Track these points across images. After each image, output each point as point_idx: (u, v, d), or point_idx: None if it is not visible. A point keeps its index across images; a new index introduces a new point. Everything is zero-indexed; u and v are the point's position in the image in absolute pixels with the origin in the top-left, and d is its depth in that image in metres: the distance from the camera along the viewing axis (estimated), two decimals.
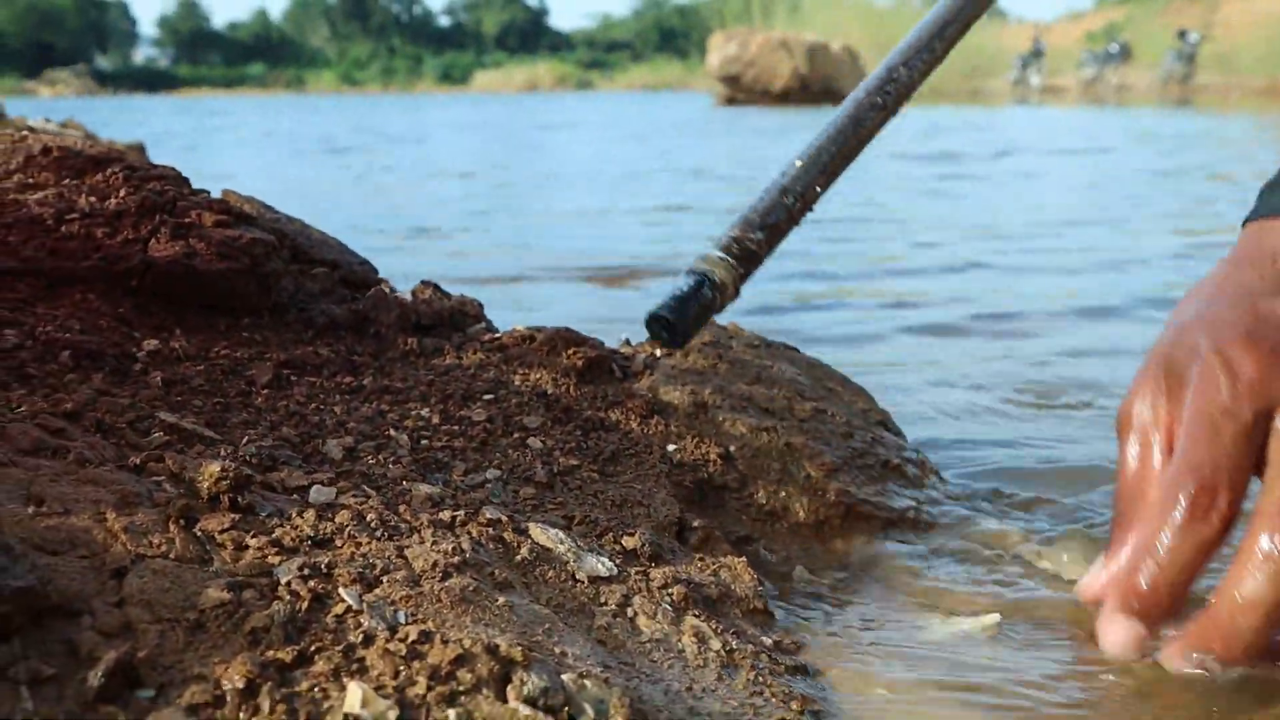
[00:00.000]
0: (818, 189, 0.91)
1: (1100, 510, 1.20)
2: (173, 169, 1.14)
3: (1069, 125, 11.57)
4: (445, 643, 0.68)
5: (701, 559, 0.93)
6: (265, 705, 0.61)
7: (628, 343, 1.28)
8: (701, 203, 4.91)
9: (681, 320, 0.83)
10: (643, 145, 7.92)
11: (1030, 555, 1.08)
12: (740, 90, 21.71)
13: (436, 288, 1.26)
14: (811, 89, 21.03)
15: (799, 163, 0.90)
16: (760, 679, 0.81)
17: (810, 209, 0.91)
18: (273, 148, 8.82)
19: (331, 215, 4.06)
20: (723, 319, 1.37)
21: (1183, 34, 27.40)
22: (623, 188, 5.56)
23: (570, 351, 1.13)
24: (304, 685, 0.63)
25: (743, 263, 0.86)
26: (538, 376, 1.11)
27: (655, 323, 0.83)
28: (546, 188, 5.37)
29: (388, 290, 1.22)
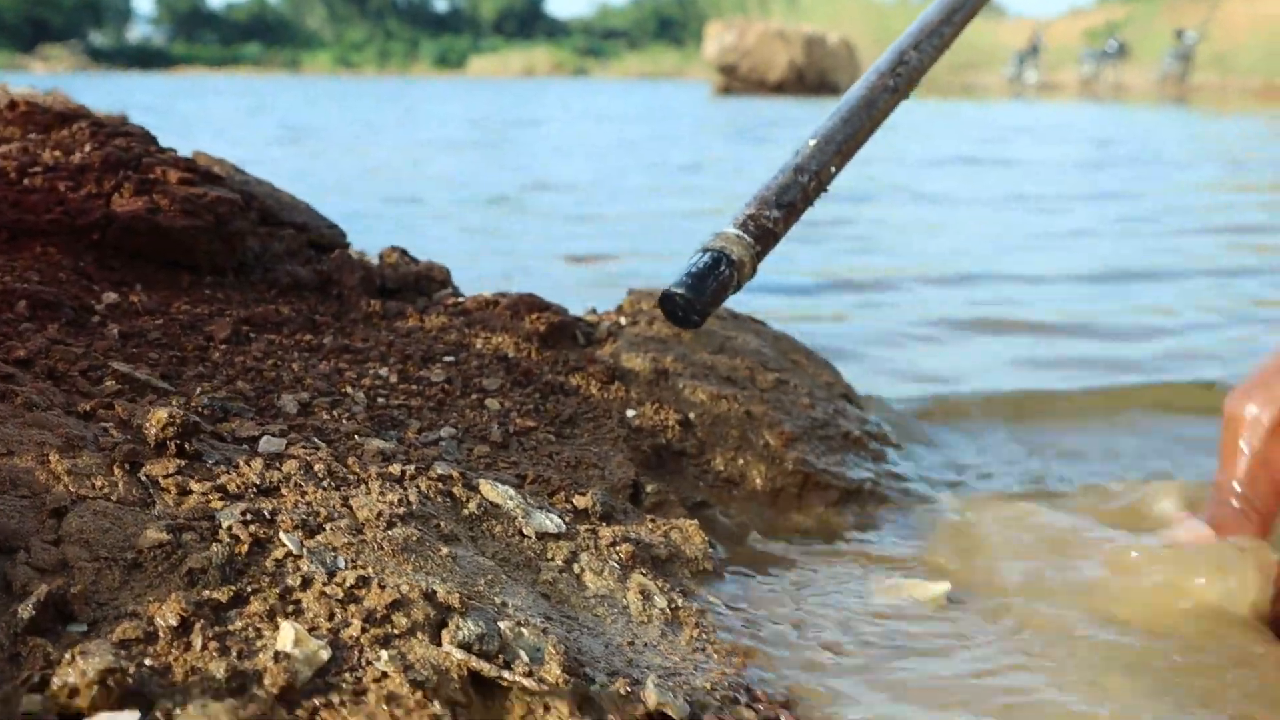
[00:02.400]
0: (832, 169, 0.90)
1: (1055, 481, 1.21)
2: (140, 127, 1.14)
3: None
4: (382, 588, 0.68)
5: (653, 520, 0.94)
6: (197, 643, 0.61)
7: (594, 311, 1.29)
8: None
9: (699, 298, 0.80)
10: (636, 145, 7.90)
11: (987, 528, 1.09)
12: (737, 80, 21.67)
13: (403, 253, 1.26)
14: (807, 80, 20.99)
15: (813, 142, 0.90)
16: (704, 636, 0.82)
17: (825, 189, 0.90)
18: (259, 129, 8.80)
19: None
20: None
21: (1180, 33, 27.39)
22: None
23: (533, 316, 1.14)
24: (238, 624, 0.64)
25: (759, 241, 0.84)
26: (499, 340, 1.11)
27: (670, 300, 0.80)
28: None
29: (355, 254, 1.22)
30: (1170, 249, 3.24)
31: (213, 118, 10.15)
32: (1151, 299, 2.49)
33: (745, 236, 0.84)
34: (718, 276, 0.81)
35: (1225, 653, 0.84)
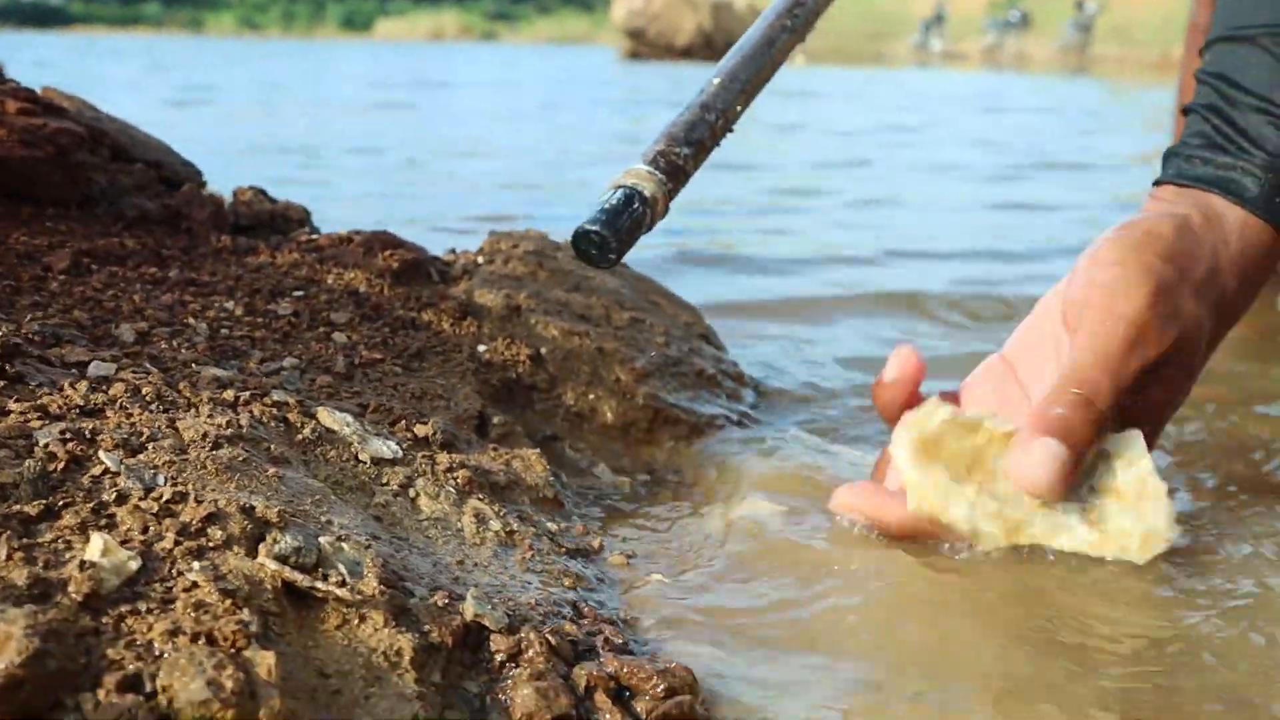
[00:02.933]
0: (738, 107, 0.90)
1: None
2: None
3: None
4: (199, 502, 0.68)
5: (495, 449, 0.95)
6: (2, 553, 0.61)
7: (453, 251, 1.29)
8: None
9: (614, 234, 0.78)
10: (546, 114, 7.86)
11: (829, 458, 1.12)
12: (644, 45, 21.66)
13: (260, 191, 1.25)
14: (715, 45, 21.02)
15: (717, 81, 0.89)
16: (536, 558, 0.83)
17: (731, 128, 0.90)
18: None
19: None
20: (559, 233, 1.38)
21: (1080, 4, 27.83)
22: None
23: (387, 253, 1.14)
24: (47, 537, 0.64)
25: (671, 177, 0.83)
26: (351, 276, 1.11)
27: (584, 239, 0.79)
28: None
29: (208, 193, 1.21)
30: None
31: (112, 78, 9.90)
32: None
33: (657, 173, 0.83)
34: (631, 214, 0.80)
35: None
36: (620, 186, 0.81)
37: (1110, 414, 0.85)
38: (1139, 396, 0.88)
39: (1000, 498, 0.87)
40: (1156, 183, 0.98)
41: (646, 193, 0.81)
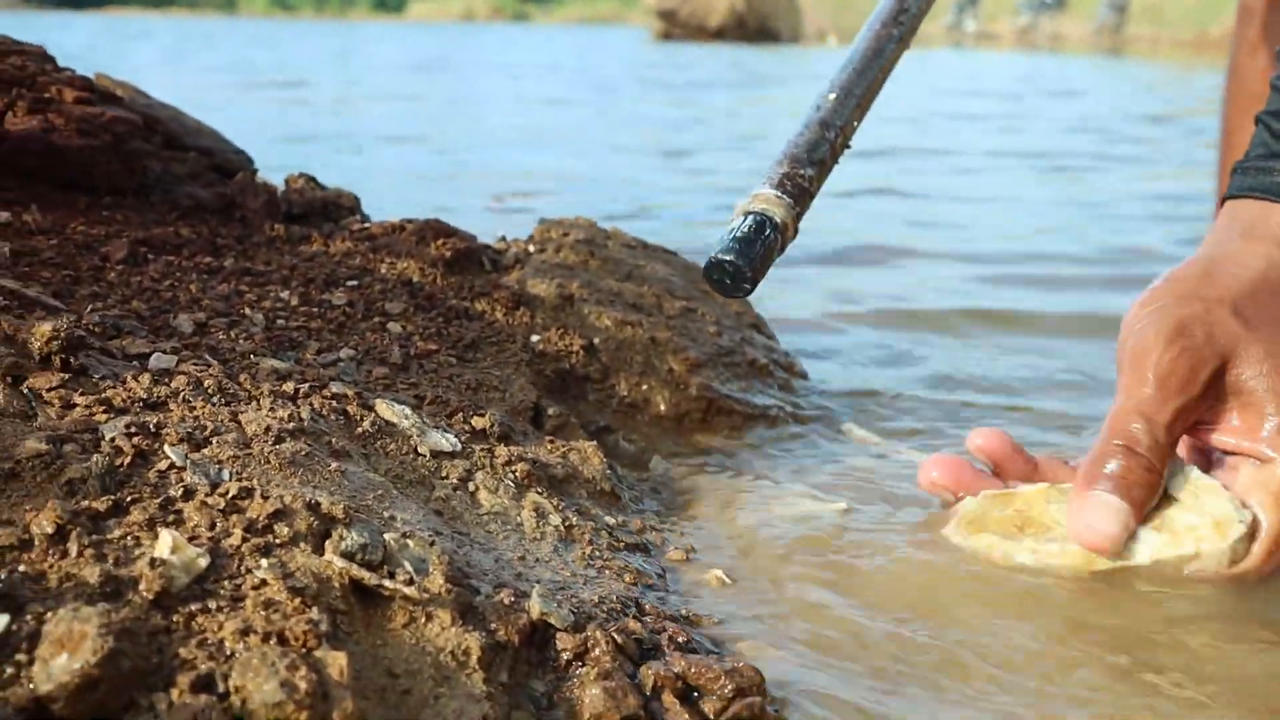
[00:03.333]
0: (855, 123, 0.88)
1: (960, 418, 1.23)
2: (38, 46, 1.12)
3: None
4: (265, 498, 0.68)
5: (552, 442, 0.94)
6: (74, 550, 0.61)
7: (503, 239, 1.28)
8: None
9: (748, 264, 0.77)
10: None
11: (888, 453, 1.11)
12: (676, 26, 21.58)
13: (311, 179, 1.25)
14: (748, 27, 20.95)
15: (833, 96, 0.87)
16: (596, 554, 0.83)
17: (849, 144, 0.89)
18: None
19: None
20: (605, 223, 1.38)
21: None
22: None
23: (439, 242, 1.13)
24: (116, 533, 0.63)
25: (797, 201, 0.82)
26: (404, 265, 1.11)
27: (718, 268, 0.78)
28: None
29: (260, 180, 1.21)
30: None
31: (156, 62, 9.92)
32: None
33: (784, 197, 0.81)
34: (764, 240, 0.79)
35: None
36: (750, 213, 0.80)
37: (1160, 453, 0.85)
38: (1220, 408, 0.87)
39: (1060, 539, 0.87)
40: (1224, 199, 0.98)
41: (777, 219, 0.80)
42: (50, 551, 0.61)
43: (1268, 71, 2.01)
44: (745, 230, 0.79)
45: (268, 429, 0.76)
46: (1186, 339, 0.86)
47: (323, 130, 4.64)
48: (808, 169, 0.83)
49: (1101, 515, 0.83)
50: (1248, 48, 2.03)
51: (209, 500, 0.67)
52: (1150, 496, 0.85)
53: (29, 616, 0.56)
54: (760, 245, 0.78)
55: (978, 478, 0.93)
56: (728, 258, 0.77)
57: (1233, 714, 0.69)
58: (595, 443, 0.95)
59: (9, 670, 0.53)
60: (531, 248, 1.24)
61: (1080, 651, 0.76)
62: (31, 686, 0.53)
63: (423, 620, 0.66)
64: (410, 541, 0.70)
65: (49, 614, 0.56)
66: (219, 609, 0.60)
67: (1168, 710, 0.69)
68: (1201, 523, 0.85)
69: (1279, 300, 0.90)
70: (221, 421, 0.76)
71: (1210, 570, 0.85)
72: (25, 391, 0.73)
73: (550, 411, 1.00)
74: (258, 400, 0.81)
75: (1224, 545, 0.84)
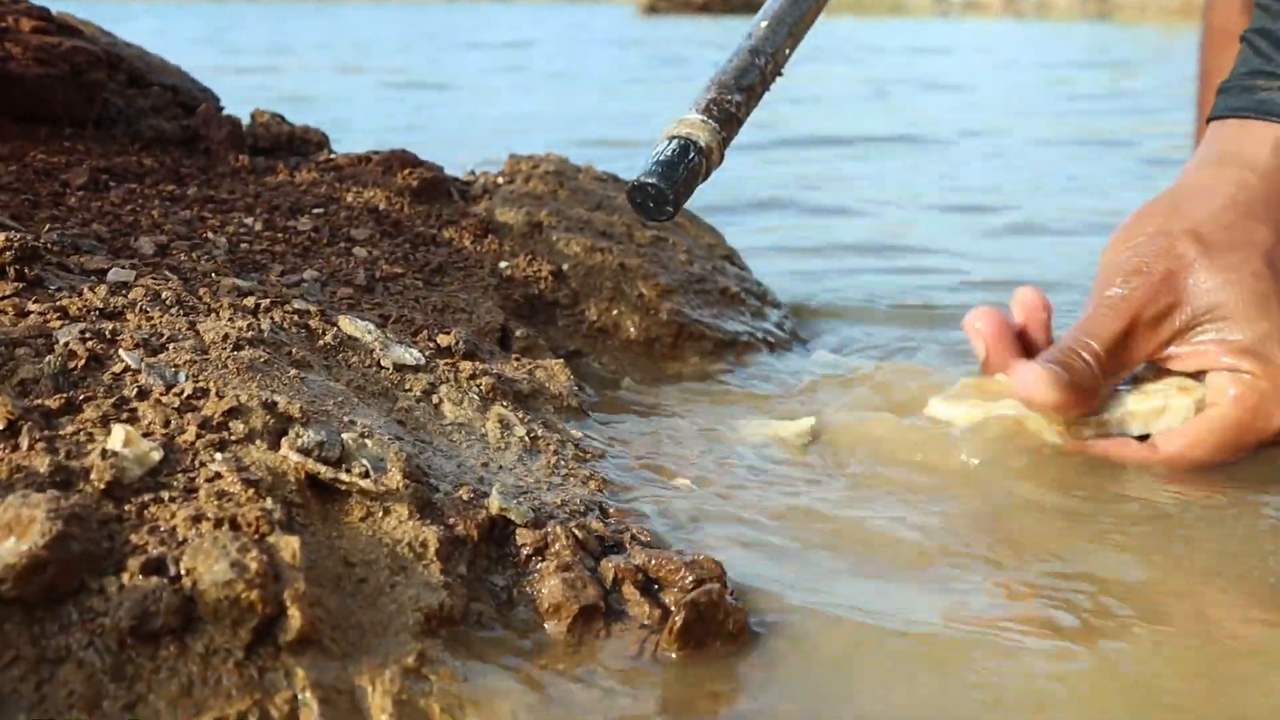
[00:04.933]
0: (786, 51, 0.87)
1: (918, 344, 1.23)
2: None
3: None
4: (220, 397, 0.68)
5: (518, 359, 0.94)
6: (24, 443, 0.61)
7: (472, 172, 1.28)
8: None
9: (670, 186, 0.76)
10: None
11: (858, 378, 1.10)
12: (662, 0, 21.48)
13: (278, 115, 1.24)
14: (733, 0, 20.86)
15: (764, 24, 0.87)
16: (561, 463, 0.82)
17: (780, 72, 0.88)
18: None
19: None
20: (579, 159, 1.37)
21: None
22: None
23: (406, 172, 1.13)
24: (69, 429, 0.63)
25: (724, 125, 0.81)
26: (370, 194, 1.10)
27: (640, 191, 0.77)
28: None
29: (224, 114, 1.20)
30: None
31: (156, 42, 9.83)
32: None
33: (710, 121, 0.80)
34: (688, 164, 0.78)
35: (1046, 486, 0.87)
36: (674, 137, 0.79)
37: (1099, 362, 0.88)
38: (1185, 335, 0.90)
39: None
40: (1207, 120, 0.98)
41: (701, 142, 0.79)
42: (2, 446, 0.60)
43: (1244, 10, 2.01)
44: (669, 154, 0.77)
45: (226, 336, 0.76)
46: (1143, 275, 0.89)
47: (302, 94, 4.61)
48: (735, 94, 0.82)
49: (1039, 374, 0.87)
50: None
51: (164, 399, 0.67)
52: (1088, 387, 0.88)
53: None
54: (683, 169, 0.77)
55: (1013, 343, 0.96)
56: (650, 180, 0.76)
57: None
58: (561, 360, 0.95)
59: None
60: (501, 179, 1.23)
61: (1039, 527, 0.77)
62: None
63: (380, 514, 0.65)
64: (369, 441, 0.70)
65: None
66: (171, 499, 0.60)
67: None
68: (1168, 387, 0.92)
69: (1248, 221, 0.90)
70: (179, 330, 0.75)
71: (1177, 424, 0.90)
72: None
73: (518, 333, 0.99)
74: (217, 312, 0.80)
75: (1189, 400, 0.90)
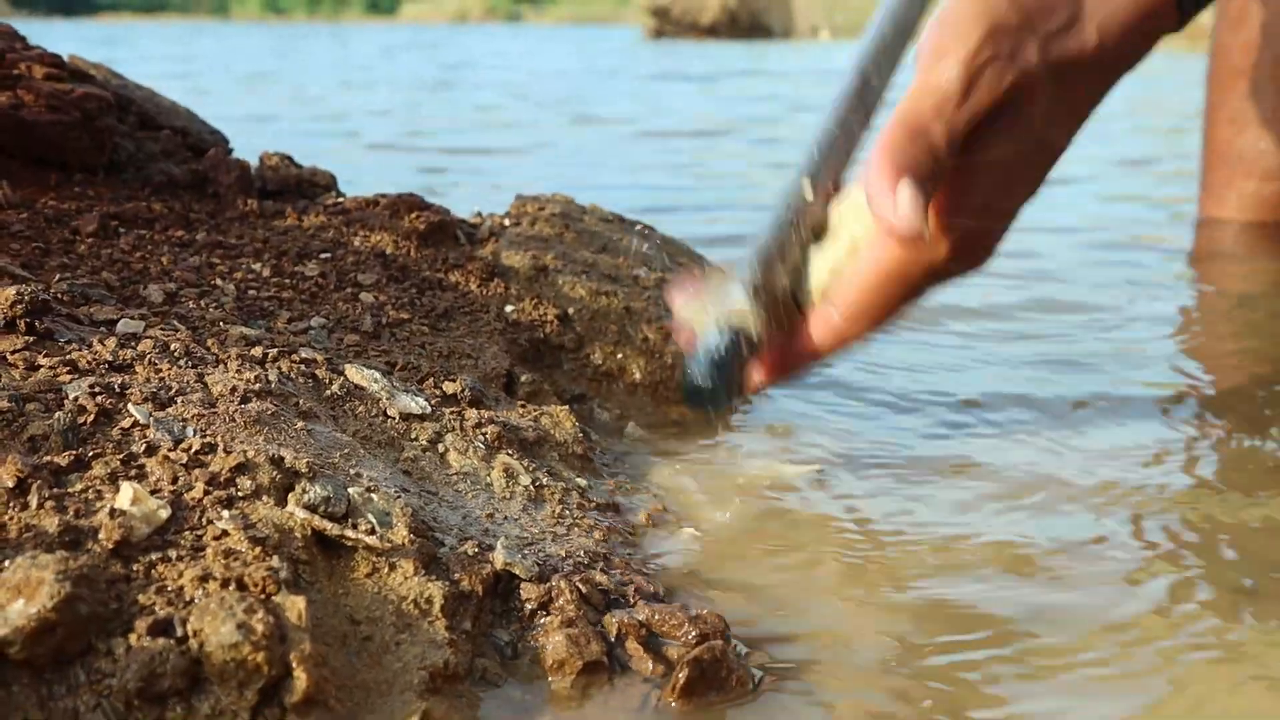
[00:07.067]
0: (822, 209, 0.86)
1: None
2: (6, 25, 1.13)
3: None
4: (228, 452, 0.68)
5: (524, 406, 0.94)
6: (34, 502, 0.61)
7: (479, 214, 1.29)
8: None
9: (724, 388, 0.79)
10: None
11: (859, 420, 1.11)
12: (669, 23, 21.56)
13: (286, 157, 1.25)
14: (740, 23, 20.94)
15: (807, 182, 0.83)
16: (567, 513, 0.83)
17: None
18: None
19: None
20: (585, 199, 1.38)
21: None
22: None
23: (413, 215, 1.14)
24: (77, 487, 0.64)
25: (769, 310, 0.81)
26: (378, 238, 1.11)
27: (695, 395, 0.79)
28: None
29: (233, 157, 1.21)
30: None
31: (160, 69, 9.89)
32: None
33: (759, 311, 0.81)
34: (740, 359, 0.81)
35: None
36: (725, 329, 0.80)
37: (943, 153, 0.79)
38: (978, 155, 0.81)
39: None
40: None
41: (753, 334, 0.80)
42: (10, 504, 0.61)
43: (1249, 46, 2.02)
44: (722, 352, 0.79)
45: (234, 389, 0.76)
46: (998, 47, 0.79)
47: (304, 121, 4.64)
48: (782, 279, 0.82)
49: (911, 203, 0.76)
50: (1229, 23, 2.03)
51: (172, 455, 0.67)
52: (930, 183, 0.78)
53: None
54: (736, 365, 0.80)
55: None
56: (706, 386, 0.79)
57: None
58: (568, 408, 0.95)
59: None
60: (507, 221, 1.24)
61: None
62: None
63: (385, 570, 0.66)
64: (375, 495, 0.70)
65: (7, 562, 0.57)
66: (179, 558, 0.60)
67: None
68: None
69: (1065, 47, 0.81)
70: (187, 383, 0.76)
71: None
72: None
73: (523, 379, 1.00)
74: (225, 363, 0.81)
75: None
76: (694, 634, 0.67)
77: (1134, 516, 0.90)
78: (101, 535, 0.60)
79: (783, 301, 0.82)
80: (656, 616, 0.68)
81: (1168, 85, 6.07)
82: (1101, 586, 0.78)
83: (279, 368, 0.83)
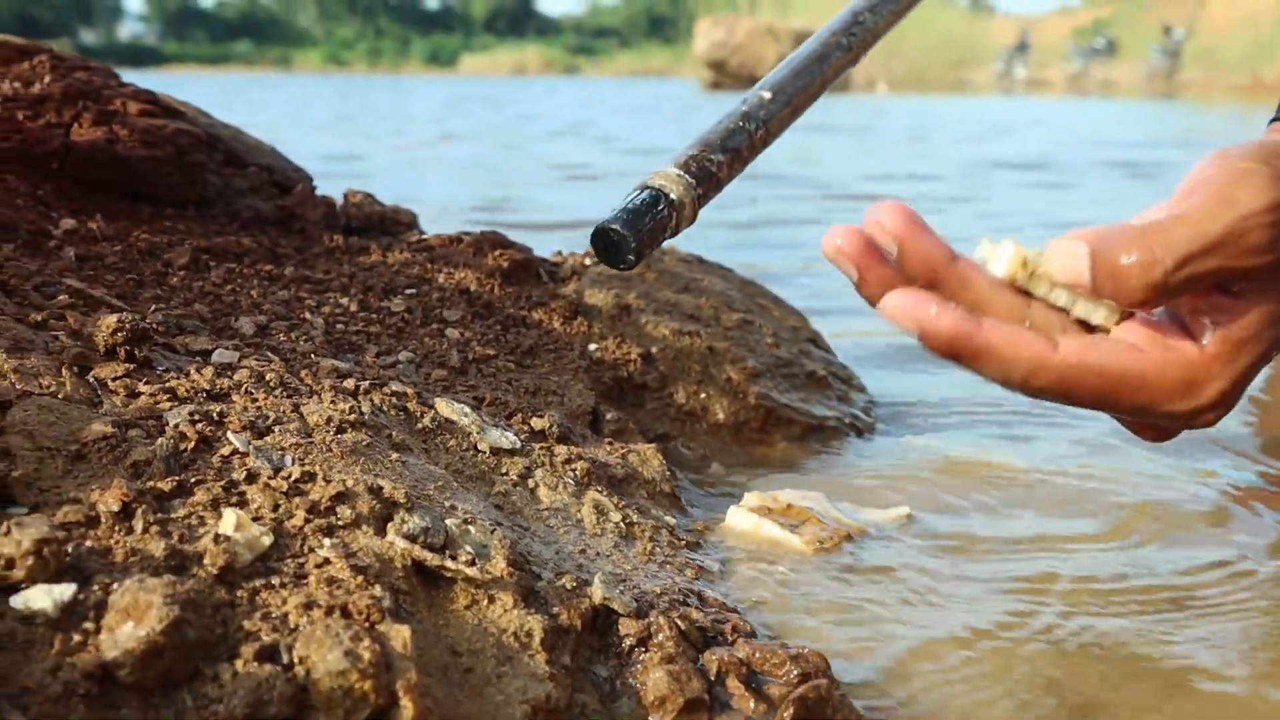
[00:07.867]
0: (783, 120, 0.88)
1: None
2: (103, 64, 1.14)
3: None
4: (328, 482, 0.68)
5: (610, 444, 0.94)
6: (139, 526, 0.61)
7: (559, 253, 1.29)
8: None
9: (634, 234, 0.74)
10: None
11: (945, 464, 1.09)
12: (726, 75, 21.70)
13: (369, 195, 1.26)
14: None
15: (764, 94, 0.87)
16: (657, 549, 0.82)
17: (772, 140, 0.87)
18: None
19: None
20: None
21: (1168, 30, 27.50)
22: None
23: (496, 253, 1.14)
24: (181, 512, 0.64)
25: (701, 183, 0.79)
26: (462, 275, 1.11)
27: (603, 237, 0.75)
28: None
29: (317, 194, 1.22)
30: None
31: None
32: None
33: (686, 176, 0.78)
34: (655, 215, 0.76)
35: None
36: (647, 187, 0.77)
37: (1167, 285, 0.65)
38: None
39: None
40: (1272, 121, 0.87)
41: (673, 195, 0.76)
42: (116, 528, 0.61)
43: None
44: (637, 202, 0.76)
45: (329, 420, 0.76)
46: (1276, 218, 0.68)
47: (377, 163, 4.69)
48: (718, 154, 0.80)
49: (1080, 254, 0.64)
50: None
51: (272, 483, 0.67)
52: None
53: (95, 587, 0.56)
54: (650, 219, 0.75)
55: (883, 259, 0.71)
56: (614, 227, 0.74)
57: None
58: (654, 445, 0.95)
59: (76, 638, 0.53)
60: (588, 260, 1.24)
61: None
62: (98, 653, 0.53)
63: (485, 602, 0.65)
64: (472, 528, 0.70)
65: (115, 584, 0.57)
66: (283, 585, 0.60)
67: None
68: None
69: None
70: (284, 412, 0.76)
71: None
72: (91, 380, 0.73)
73: (609, 416, 0.99)
74: (319, 394, 0.81)
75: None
76: (796, 672, 0.66)
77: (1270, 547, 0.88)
78: (206, 560, 0.59)
79: (716, 176, 0.79)
80: (757, 654, 0.67)
81: None
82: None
83: (371, 400, 0.83)
